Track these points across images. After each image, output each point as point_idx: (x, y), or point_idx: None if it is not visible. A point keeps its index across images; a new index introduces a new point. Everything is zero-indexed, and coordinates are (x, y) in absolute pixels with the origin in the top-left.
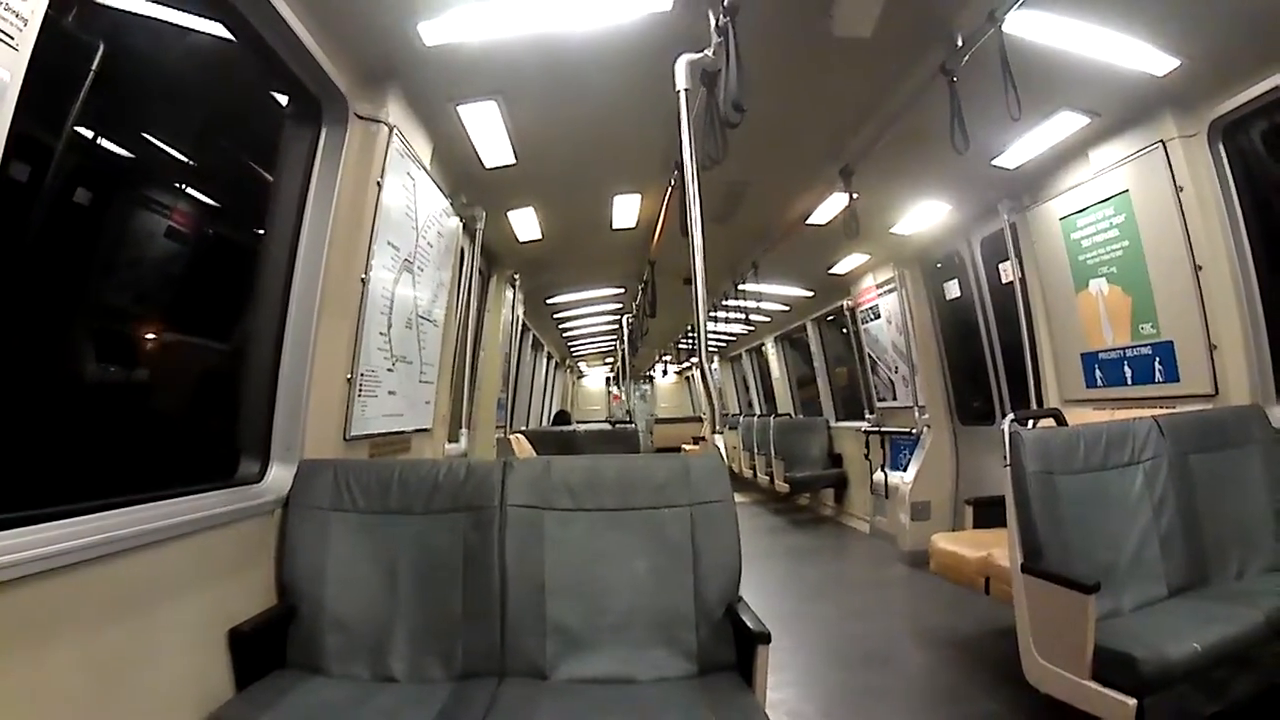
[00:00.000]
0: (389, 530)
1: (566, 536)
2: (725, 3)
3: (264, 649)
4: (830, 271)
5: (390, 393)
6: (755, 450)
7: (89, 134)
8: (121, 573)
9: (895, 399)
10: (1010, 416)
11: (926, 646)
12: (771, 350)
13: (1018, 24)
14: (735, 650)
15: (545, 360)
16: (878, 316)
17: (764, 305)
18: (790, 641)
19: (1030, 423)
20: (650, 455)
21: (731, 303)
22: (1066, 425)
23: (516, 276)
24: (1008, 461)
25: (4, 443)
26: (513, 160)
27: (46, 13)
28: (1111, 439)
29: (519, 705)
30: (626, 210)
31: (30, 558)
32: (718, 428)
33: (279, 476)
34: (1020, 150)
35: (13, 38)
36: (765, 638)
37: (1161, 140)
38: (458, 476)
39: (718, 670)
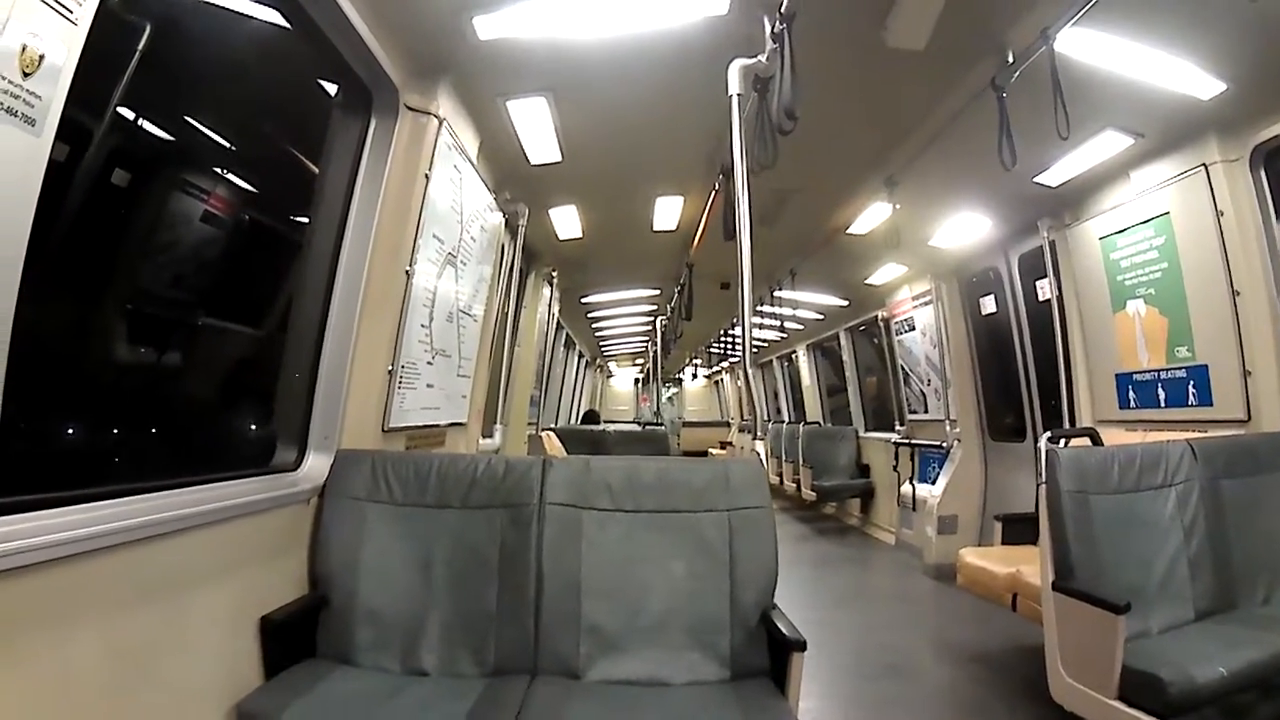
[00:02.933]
0: (425, 523)
1: (604, 537)
2: (782, 9)
3: (295, 638)
4: (866, 282)
5: (429, 385)
6: (783, 457)
7: (133, 115)
8: (155, 557)
9: (926, 412)
10: (1047, 434)
11: (952, 660)
12: (803, 358)
13: (1068, 42)
14: (769, 657)
15: (576, 358)
16: (912, 329)
17: (799, 313)
18: (815, 650)
19: (1064, 441)
20: (690, 459)
21: (767, 309)
22: (1102, 445)
23: (554, 274)
24: (1043, 479)
25: (40, 426)
26: (559, 158)
27: None
28: (1145, 461)
29: (551, 704)
30: (668, 212)
31: (62, 540)
32: (758, 434)
33: (316, 465)
34: (1063, 168)
35: (72, 12)
36: (800, 645)
37: (1204, 164)
38: (496, 472)
39: (751, 676)
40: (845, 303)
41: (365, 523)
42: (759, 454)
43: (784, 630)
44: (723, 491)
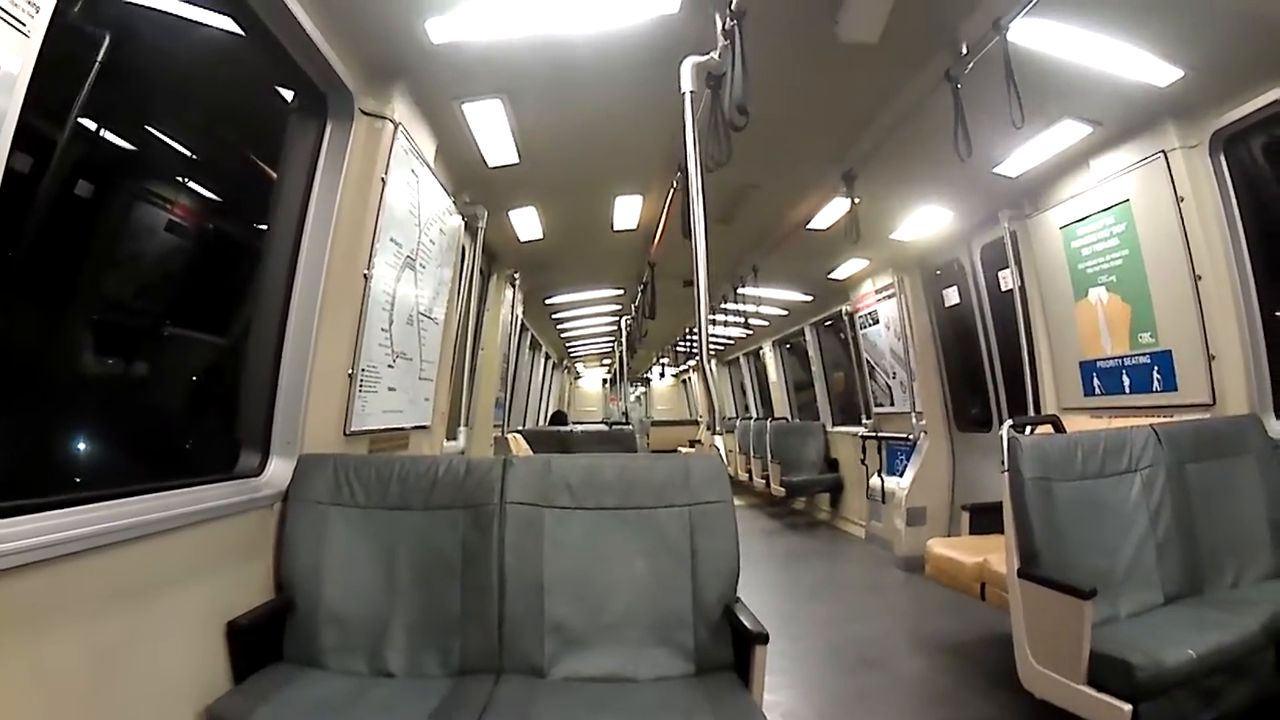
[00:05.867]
0: (388, 525)
1: (566, 535)
2: (732, 6)
3: (261, 642)
4: (830, 276)
5: (390, 389)
6: (752, 453)
7: (93, 126)
8: (120, 563)
9: (893, 404)
10: (1009, 422)
11: (922, 651)
12: (769, 354)
13: (1022, 32)
14: (733, 650)
15: (543, 361)
16: (876, 322)
17: (763, 309)
18: (785, 644)
19: (1028, 429)
20: (650, 455)
21: (731, 306)
22: (1065, 432)
23: (516, 276)
24: (1006, 467)
25: (4, 433)
26: (516, 159)
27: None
28: (1109, 447)
29: (516, 702)
30: (628, 211)
31: (29, 546)
32: (717, 429)
33: (279, 470)
34: (1022, 158)
35: (24, 24)
36: (763, 638)
37: (1163, 150)
38: (458, 473)
39: (715, 670)
40: (809, 298)
41: (328, 526)
42: (718, 449)
43: (746, 623)
44: (683, 487)
